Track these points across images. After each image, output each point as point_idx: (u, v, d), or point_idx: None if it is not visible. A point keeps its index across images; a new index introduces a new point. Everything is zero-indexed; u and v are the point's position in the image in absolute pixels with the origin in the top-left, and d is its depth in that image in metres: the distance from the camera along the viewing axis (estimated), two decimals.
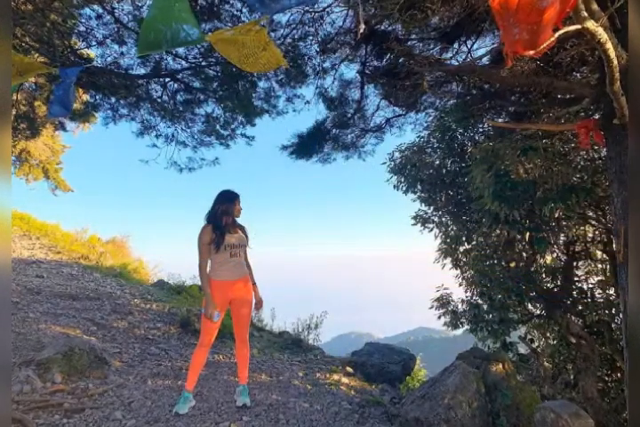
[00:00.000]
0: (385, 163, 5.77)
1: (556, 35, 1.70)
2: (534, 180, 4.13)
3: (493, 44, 4.17)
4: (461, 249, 5.40)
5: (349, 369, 4.38)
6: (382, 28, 4.34)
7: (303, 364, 4.38)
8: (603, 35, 1.93)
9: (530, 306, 5.12)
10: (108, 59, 4.85)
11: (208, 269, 2.73)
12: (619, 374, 4.56)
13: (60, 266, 7.09)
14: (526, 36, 1.73)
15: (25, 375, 2.73)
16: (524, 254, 4.99)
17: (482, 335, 4.80)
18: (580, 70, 4.02)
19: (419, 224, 5.66)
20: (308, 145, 5.93)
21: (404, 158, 5.54)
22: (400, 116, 5.79)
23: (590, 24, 1.87)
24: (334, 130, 5.92)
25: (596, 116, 3.22)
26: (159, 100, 5.55)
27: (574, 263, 5.03)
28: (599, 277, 4.92)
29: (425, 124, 5.78)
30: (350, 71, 5.39)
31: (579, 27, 1.86)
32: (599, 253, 4.99)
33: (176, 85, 5.49)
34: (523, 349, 5.25)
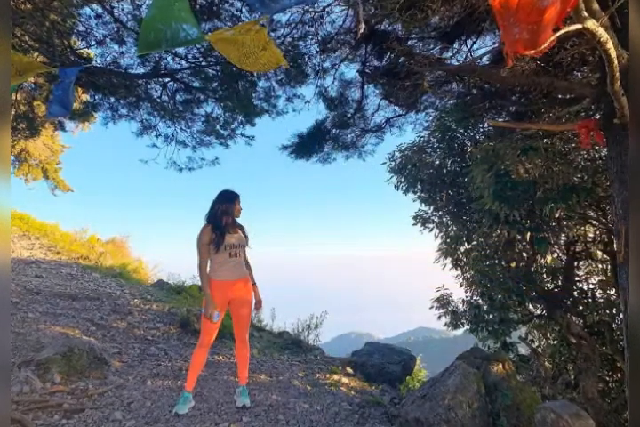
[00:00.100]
0: (385, 163, 5.77)
1: (557, 34, 1.70)
2: (535, 180, 4.13)
3: (494, 43, 4.17)
4: (462, 249, 5.39)
5: (349, 369, 4.37)
6: (382, 27, 4.33)
7: (303, 364, 4.38)
8: (603, 34, 1.92)
9: (530, 306, 5.11)
10: (108, 58, 4.85)
11: (208, 269, 2.72)
12: (619, 375, 4.56)
13: (60, 266, 7.08)
14: (527, 35, 1.72)
15: (24, 376, 2.72)
16: (525, 254, 4.99)
17: (482, 336, 4.79)
18: (580, 70, 4.02)
19: (419, 224, 5.66)
20: (307, 145, 5.92)
21: (405, 158, 5.54)
22: (400, 115, 5.78)
23: (591, 24, 1.86)
24: (334, 130, 5.91)
25: (597, 116, 3.22)
26: (159, 99, 5.54)
27: (575, 263, 5.03)
28: (600, 278, 4.92)
29: (425, 124, 5.78)
30: (350, 71, 5.39)
31: (579, 26, 1.86)
32: (600, 254, 4.98)
33: (176, 85, 5.48)
34: (523, 349, 5.24)
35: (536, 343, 5.38)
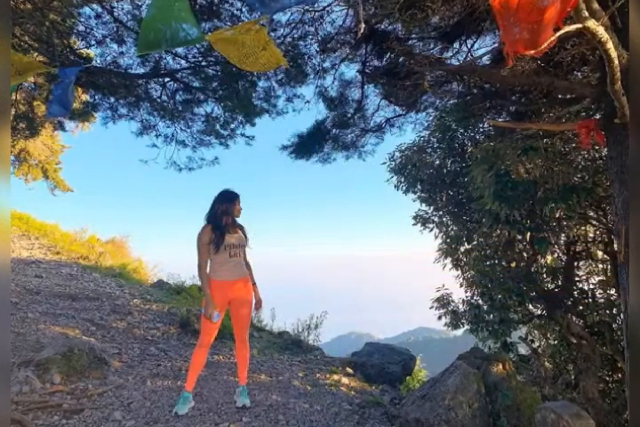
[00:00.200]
0: (385, 163, 5.77)
1: (557, 34, 1.69)
2: (535, 180, 4.13)
3: (494, 43, 4.16)
4: (462, 249, 5.39)
5: (349, 370, 4.37)
6: (382, 27, 4.33)
7: (303, 364, 4.37)
8: (603, 34, 1.92)
9: (530, 306, 5.11)
10: (108, 58, 4.84)
11: (208, 269, 2.72)
12: (620, 375, 4.56)
13: (60, 266, 7.08)
14: (527, 35, 1.72)
15: (24, 376, 2.72)
16: (525, 255, 4.99)
17: (482, 336, 4.79)
18: (580, 70, 4.02)
19: (419, 224, 5.66)
20: (307, 145, 5.91)
21: (405, 158, 5.53)
22: (400, 115, 5.78)
23: (591, 23, 1.86)
24: (334, 130, 5.90)
25: (597, 116, 3.22)
26: (159, 99, 5.54)
27: (575, 263, 5.02)
28: (600, 278, 4.92)
29: (425, 124, 5.78)
30: (350, 71, 5.39)
31: (579, 26, 1.85)
32: (600, 254, 4.98)
33: (175, 85, 5.47)
34: (523, 349, 5.24)
35: (536, 343, 5.38)
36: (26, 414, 2.38)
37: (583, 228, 4.94)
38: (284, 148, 6.00)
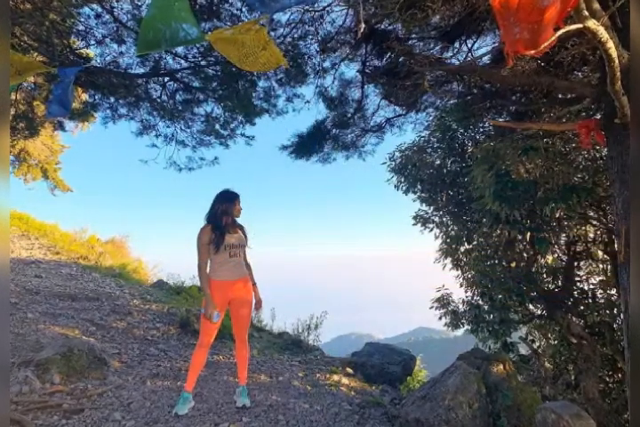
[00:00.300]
0: (385, 163, 5.77)
1: (557, 34, 1.69)
2: (535, 180, 4.13)
3: (494, 43, 4.16)
4: (462, 249, 5.39)
5: (349, 370, 4.37)
6: (382, 27, 4.32)
7: (303, 364, 4.37)
8: (604, 34, 1.91)
9: (531, 306, 5.11)
10: (107, 58, 4.83)
11: (208, 269, 2.71)
12: (620, 375, 4.55)
13: (59, 266, 7.08)
14: (527, 35, 1.72)
15: (24, 376, 2.72)
16: (525, 255, 4.98)
17: (482, 336, 4.79)
18: (581, 70, 4.01)
19: (419, 224, 5.66)
20: (307, 145, 5.91)
21: (405, 158, 5.53)
22: (400, 115, 5.77)
23: (591, 23, 1.86)
24: (334, 130, 5.90)
25: (598, 116, 3.21)
26: (158, 99, 5.53)
27: (575, 263, 5.02)
28: (600, 278, 4.92)
29: (425, 124, 5.78)
30: (350, 71, 5.38)
31: (580, 26, 1.85)
32: (600, 254, 4.98)
33: (175, 85, 5.47)
34: (523, 349, 5.24)
35: (536, 344, 5.38)
36: (25, 414, 2.37)
37: (583, 228, 4.94)
38: (284, 148, 5.99)
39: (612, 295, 4.54)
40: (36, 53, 4.49)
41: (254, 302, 2.92)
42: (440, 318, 5.34)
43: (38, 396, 2.59)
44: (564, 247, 5.14)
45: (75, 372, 2.99)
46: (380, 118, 5.81)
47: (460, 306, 5.28)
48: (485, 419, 2.85)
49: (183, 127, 6.04)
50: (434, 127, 5.40)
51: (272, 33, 4.50)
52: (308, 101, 5.53)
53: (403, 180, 5.58)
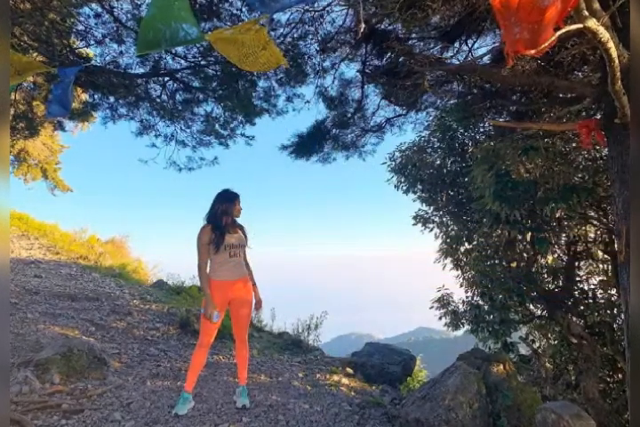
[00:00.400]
0: (385, 163, 5.77)
1: (557, 34, 1.69)
2: (535, 179, 4.12)
3: (494, 43, 4.15)
4: (462, 249, 5.39)
5: (349, 370, 4.36)
6: (382, 27, 4.32)
7: (303, 365, 4.37)
8: (604, 34, 1.91)
9: (531, 306, 5.11)
10: (107, 58, 4.83)
11: (208, 269, 2.71)
12: (620, 375, 4.55)
13: (59, 266, 7.07)
14: (527, 35, 1.71)
15: (23, 376, 2.71)
16: (525, 255, 4.98)
17: (482, 336, 4.79)
18: (581, 70, 4.01)
19: (419, 224, 5.66)
20: (307, 145, 5.90)
21: (405, 158, 5.53)
22: (400, 115, 5.77)
23: (592, 23, 1.85)
24: (334, 129, 5.89)
25: (598, 116, 3.21)
26: (158, 99, 5.53)
27: (576, 263, 5.02)
28: (601, 278, 4.91)
29: (425, 124, 5.77)
30: (350, 70, 5.39)
31: (580, 26, 1.84)
32: (601, 254, 4.97)
33: (175, 85, 5.46)
34: (524, 349, 5.24)
35: (537, 344, 5.38)
36: (25, 414, 2.37)
37: (584, 228, 4.93)
38: (284, 147, 5.99)
39: (613, 295, 4.54)
40: (35, 53, 4.49)
41: (254, 302, 2.92)
42: (440, 318, 5.34)
43: (38, 396, 2.59)
44: (564, 247, 5.14)
45: (74, 372, 2.98)
46: (380, 118, 5.81)
47: (460, 306, 5.27)
48: (485, 419, 2.85)
49: (183, 127, 6.04)
50: (434, 127, 5.40)
51: (272, 33, 4.50)
52: (308, 101, 5.53)
53: (403, 180, 5.59)
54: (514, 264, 4.94)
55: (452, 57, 4.50)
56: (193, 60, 5.05)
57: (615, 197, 2.62)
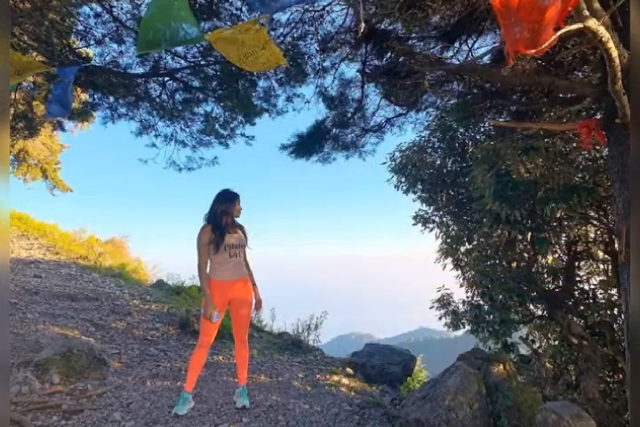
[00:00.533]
0: (385, 162, 5.77)
1: (558, 34, 1.68)
2: (535, 179, 4.12)
3: (494, 42, 4.15)
4: (462, 249, 5.39)
5: (349, 370, 4.36)
6: (383, 26, 4.32)
7: (303, 365, 4.37)
8: (604, 34, 1.91)
9: (531, 307, 5.11)
10: (107, 58, 4.83)
11: (207, 269, 2.71)
12: (620, 376, 4.54)
13: (59, 266, 7.07)
14: (527, 34, 1.71)
15: (23, 376, 2.71)
16: (526, 255, 4.98)
17: (483, 336, 4.79)
18: (581, 69, 4.01)
19: (419, 224, 5.65)
20: (307, 144, 5.90)
21: (405, 158, 5.53)
22: (400, 115, 5.76)
23: (592, 23, 1.85)
24: (334, 129, 5.89)
25: (598, 116, 3.21)
26: (158, 99, 5.53)
27: (576, 264, 5.01)
28: (601, 278, 4.91)
29: (426, 124, 5.77)
30: (350, 70, 5.39)
31: (580, 26, 1.84)
32: (601, 254, 4.97)
33: (175, 84, 5.46)
34: (524, 350, 5.23)
35: (537, 344, 5.37)
36: (25, 414, 2.37)
37: (584, 228, 4.93)
38: (284, 147, 5.99)
39: (613, 295, 4.53)
40: (35, 53, 4.49)
41: (254, 302, 2.92)
42: (440, 319, 5.34)
43: (38, 396, 2.59)
44: (564, 247, 5.13)
45: (74, 372, 2.98)
46: (380, 118, 5.81)
47: (461, 306, 5.27)
48: (486, 419, 2.84)
49: (183, 127, 6.04)
50: (434, 127, 5.40)
51: (272, 32, 4.50)
52: (308, 101, 5.53)
53: (403, 180, 5.58)
54: (514, 264, 4.94)
55: (452, 57, 4.50)
56: (193, 59, 5.05)
57: (615, 197, 2.62)
